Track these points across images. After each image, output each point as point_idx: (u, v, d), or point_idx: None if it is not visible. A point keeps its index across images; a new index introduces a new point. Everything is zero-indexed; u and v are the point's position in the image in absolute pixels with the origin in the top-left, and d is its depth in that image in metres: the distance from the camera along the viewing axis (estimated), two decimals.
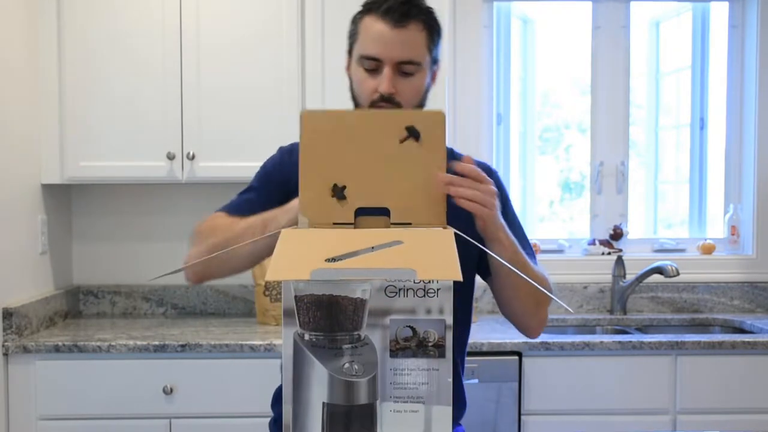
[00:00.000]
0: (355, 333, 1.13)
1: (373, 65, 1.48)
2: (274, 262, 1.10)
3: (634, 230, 3.33)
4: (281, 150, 1.64)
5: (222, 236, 1.46)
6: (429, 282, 1.13)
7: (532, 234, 3.35)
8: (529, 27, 3.40)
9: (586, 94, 3.30)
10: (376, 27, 1.47)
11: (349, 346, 1.13)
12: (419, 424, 1.14)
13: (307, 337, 1.12)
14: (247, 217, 1.46)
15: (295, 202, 1.37)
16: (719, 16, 3.31)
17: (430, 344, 1.13)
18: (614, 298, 3.12)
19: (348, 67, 1.57)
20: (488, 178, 1.34)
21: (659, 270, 2.97)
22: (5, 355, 2.49)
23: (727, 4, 3.27)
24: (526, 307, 1.53)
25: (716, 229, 3.34)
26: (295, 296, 1.12)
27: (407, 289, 1.13)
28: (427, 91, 1.55)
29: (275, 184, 1.56)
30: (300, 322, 1.12)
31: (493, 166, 1.73)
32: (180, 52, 2.74)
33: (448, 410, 1.13)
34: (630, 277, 3.08)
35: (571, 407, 2.56)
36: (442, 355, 1.13)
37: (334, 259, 1.10)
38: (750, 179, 3.22)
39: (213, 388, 2.52)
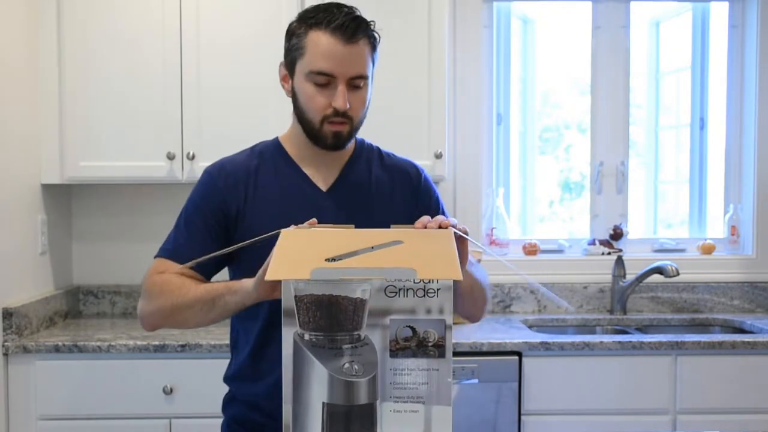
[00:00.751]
0: (355, 333, 1.13)
1: (324, 80, 1.49)
2: (274, 262, 1.10)
3: (634, 230, 3.33)
4: (208, 173, 1.66)
5: (170, 302, 1.50)
6: (429, 282, 1.12)
7: (533, 234, 3.35)
8: (529, 27, 3.40)
9: (586, 94, 3.30)
10: (326, 43, 1.48)
11: (349, 346, 1.13)
12: (419, 424, 1.14)
13: (306, 337, 1.12)
14: (190, 270, 1.51)
15: (244, 283, 1.40)
16: (719, 16, 3.30)
17: (430, 344, 1.13)
18: (614, 298, 3.12)
19: (286, 80, 1.59)
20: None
21: (659, 270, 2.97)
22: (5, 355, 2.49)
23: (727, 4, 3.27)
24: (476, 306, 1.62)
25: (716, 229, 3.34)
26: (295, 296, 1.12)
27: (407, 289, 1.13)
28: (369, 101, 1.58)
29: (211, 212, 1.59)
30: (300, 322, 1.12)
31: (424, 170, 1.74)
32: (180, 52, 2.74)
33: (449, 410, 1.13)
34: (630, 277, 3.08)
35: (571, 407, 2.56)
36: (442, 355, 1.13)
37: (333, 259, 1.10)
38: (750, 179, 3.22)
39: (213, 388, 2.51)
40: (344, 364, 1.12)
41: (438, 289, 1.13)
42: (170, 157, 2.75)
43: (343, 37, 1.47)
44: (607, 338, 2.64)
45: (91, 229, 3.12)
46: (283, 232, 1.17)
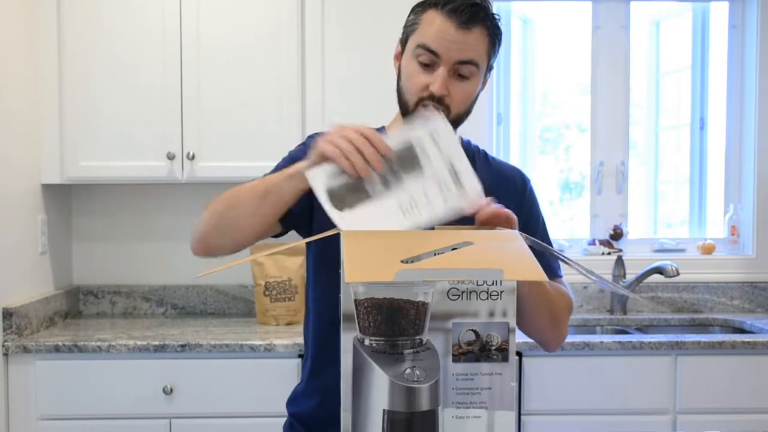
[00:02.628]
0: (417, 337, 1.09)
1: (428, 59, 1.42)
2: (349, 263, 1.03)
3: (634, 230, 3.33)
4: (309, 139, 1.54)
5: (224, 200, 1.43)
6: (492, 284, 1.09)
7: None
8: (529, 27, 3.40)
9: (586, 94, 3.30)
10: (439, 22, 1.41)
11: (411, 351, 1.08)
12: (482, 429, 1.10)
13: (367, 342, 1.08)
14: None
15: (298, 166, 1.31)
16: (719, 16, 3.30)
17: (493, 348, 1.10)
18: (614, 298, 3.11)
19: (398, 57, 1.51)
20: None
21: (659, 270, 2.97)
22: (5, 355, 2.49)
23: (727, 4, 3.27)
24: (542, 323, 1.49)
25: (716, 229, 3.34)
26: (355, 300, 1.07)
27: (470, 292, 1.09)
28: (476, 98, 1.50)
29: None
30: (359, 327, 1.08)
31: (530, 180, 1.66)
32: (180, 52, 2.74)
33: (512, 415, 1.10)
34: (630, 277, 3.08)
35: (571, 407, 2.56)
36: (505, 359, 1.10)
37: (409, 261, 1.05)
38: (750, 179, 3.22)
39: (213, 388, 2.52)
40: (405, 369, 1.08)
41: (501, 292, 1.09)
42: (170, 157, 2.75)
43: (457, 21, 1.39)
44: (607, 338, 2.64)
45: (91, 229, 3.12)
46: (345, 233, 1.10)
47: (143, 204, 3.12)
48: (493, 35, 1.45)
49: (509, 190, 1.56)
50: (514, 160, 3.36)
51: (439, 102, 1.42)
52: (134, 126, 2.76)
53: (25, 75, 2.67)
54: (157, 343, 2.50)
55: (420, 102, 1.43)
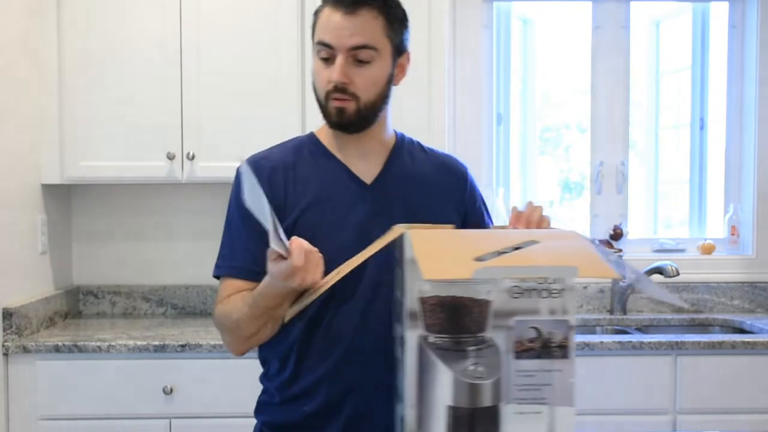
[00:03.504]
0: (480, 335, 1.10)
1: (327, 53, 1.44)
2: (425, 262, 1.04)
3: (634, 230, 3.33)
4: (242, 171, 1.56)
5: (239, 334, 1.48)
6: (553, 282, 1.10)
7: None
8: (529, 27, 3.40)
9: (586, 94, 3.30)
10: (329, 16, 1.44)
11: (474, 348, 1.10)
12: (543, 425, 1.12)
13: (431, 339, 1.10)
14: (257, 283, 1.44)
15: (286, 295, 1.37)
16: (719, 16, 3.30)
17: (554, 345, 1.12)
18: (614, 298, 3.11)
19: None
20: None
21: (659, 270, 2.97)
22: (5, 355, 2.49)
23: (727, 4, 3.27)
24: None
25: (716, 229, 3.34)
26: (420, 298, 1.09)
27: (532, 290, 1.11)
28: (389, 82, 1.50)
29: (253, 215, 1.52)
30: (424, 325, 1.10)
31: (468, 168, 1.68)
32: (180, 52, 2.74)
33: (572, 411, 1.12)
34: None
35: None
36: (565, 355, 1.12)
37: (481, 259, 1.06)
38: (750, 179, 3.22)
39: (213, 388, 2.52)
40: (469, 366, 1.10)
41: (562, 290, 1.11)
42: (170, 157, 2.75)
43: (342, 8, 1.42)
44: (607, 338, 2.64)
45: (91, 229, 3.12)
46: (414, 233, 1.11)
47: (143, 204, 3.12)
48: (388, 15, 1.46)
49: (449, 176, 1.60)
50: (514, 160, 3.36)
51: (344, 91, 1.44)
52: (134, 126, 2.76)
53: (25, 75, 2.67)
54: (157, 343, 2.50)
55: (328, 96, 1.46)
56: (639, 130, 3.43)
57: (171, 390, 2.50)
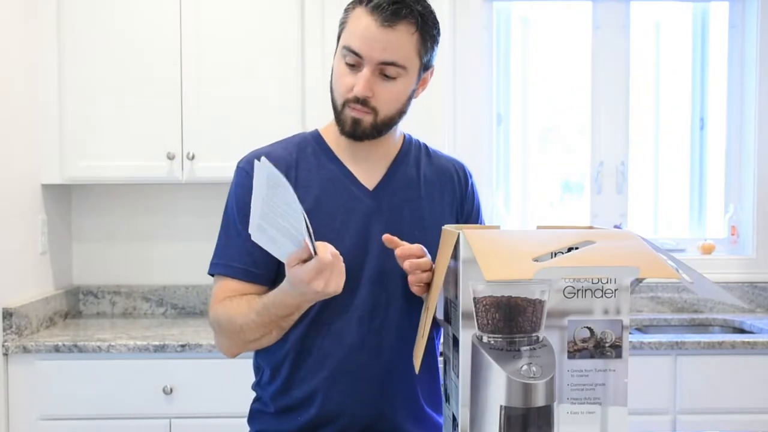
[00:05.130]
0: (534, 335, 1.11)
1: (354, 60, 1.38)
2: (485, 263, 1.04)
3: (634, 230, 3.32)
4: (242, 169, 1.49)
5: (237, 339, 1.47)
6: (606, 282, 1.11)
7: None
8: (529, 27, 3.40)
9: (586, 94, 3.30)
10: (363, 21, 1.37)
11: (528, 347, 1.10)
12: (596, 425, 1.14)
13: (485, 339, 1.10)
14: (255, 284, 1.45)
15: (279, 293, 1.35)
16: (719, 16, 3.31)
17: (607, 345, 1.13)
18: None
19: (335, 54, 1.48)
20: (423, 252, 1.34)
21: None
22: (5, 355, 2.49)
23: (727, 4, 3.27)
24: None
25: (716, 229, 3.34)
26: (474, 298, 1.09)
27: (585, 290, 1.11)
28: (410, 98, 1.46)
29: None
30: (478, 325, 1.10)
31: (471, 174, 1.64)
32: (180, 52, 2.74)
33: (625, 411, 1.15)
34: None
35: None
36: (618, 355, 1.14)
37: (537, 260, 1.06)
38: (750, 179, 3.22)
39: (213, 388, 2.52)
40: (522, 366, 1.10)
41: (615, 290, 1.11)
42: (170, 157, 2.75)
43: (379, 18, 1.35)
44: None
45: (91, 229, 3.12)
46: (468, 233, 1.10)
47: (143, 204, 3.12)
48: (424, 32, 1.41)
49: (451, 183, 1.56)
50: (514, 160, 3.36)
51: (364, 104, 1.40)
52: (134, 126, 2.76)
53: (25, 75, 2.67)
54: (157, 343, 2.50)
55: (346, 104, 1.42)
56: (639, 130, 3.42)
57: (171, 390, 2.50)
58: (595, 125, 3.28)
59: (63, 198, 3.03)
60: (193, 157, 2.75)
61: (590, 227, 1.25)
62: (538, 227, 1.24)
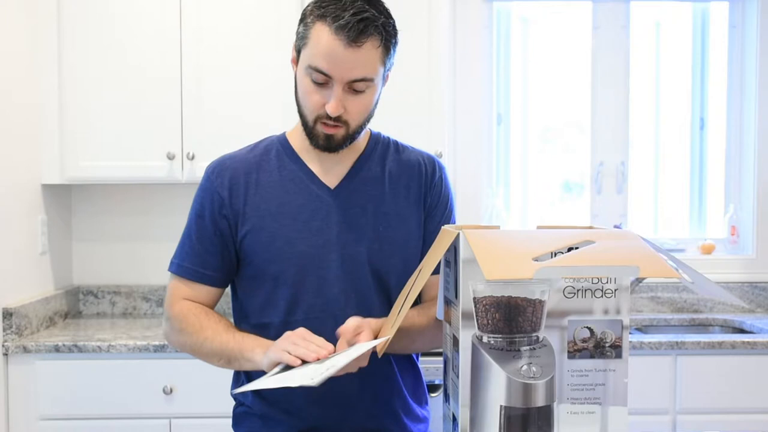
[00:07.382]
0: (534, 335, 1.11)
1: (321, 79, 1.38)
2: (485, 262, 1.03)
3: (634, 230, 3.32)
4: (206, 173, 1.56)
5: (190, 346, 1.50)
6: (606, 282, 1.11)
7: None
8: (529, 27, 3.40)
9: (586, 94, 3.30)
10: (327, 40, 1.35)
11: (528, 347, 1.11)
12: (596, 425, 1.14)
13: (485, 339, 1.10)
14: (204, 285, 1.50)
15: (255, 355, 1.38)
16: (719, 16, 3.31)
17: (607, 345, 1.13)
18: None
19: (293, 62, 1.48)
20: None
21: None
22: (5, 355, 2.49)
23: (727, 4, 3.27)
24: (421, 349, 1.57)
25: (716, 229, 3.34)
26: (474, 298, 1.09)
27: (585, 290, 1.11)
28: (377, 102, 1.47)
29: (212, 218, 1.51)
30: (478, 325, 1.10)
31: (444, 168, 1.63)
32: (180, 52, 2.74)
33: (625, 411, 1.16)
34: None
35: None
36: (618, 355, 1.14)
37: (537, 259, 1.06)
38: (750, 179, 3.22)
39: (213, 388, 2.51)
40: (522, 366, 1.10)
41: (615, 290, 1.11)
42: (170, 157, 2.75)
43: (345, 39, 1.34)
44: None
45: (91, 229, 3.12)
46: (468, 233, 1.10)
47: (143, 204, 3.12)
48: (387, 41, 1.41)
49: (417, 176, 1.54)
50: (514, 160, 3.36)
51: (336, 119, 1.41)
52: (134, 126, 2.76)
53: (25, 75, 2.67)
54: (157, 343, 2.50)
55: (318, 120, 1.43)
56: (639, 130, 3.42)
57: (171, 390, 2.50)
58: (595, 125, 3.28)
59: (63, 198, 3.03)
60: (193, 157, 2.75)
61: (590, 227, 1.25)
62: (538, 227, 1.24)
